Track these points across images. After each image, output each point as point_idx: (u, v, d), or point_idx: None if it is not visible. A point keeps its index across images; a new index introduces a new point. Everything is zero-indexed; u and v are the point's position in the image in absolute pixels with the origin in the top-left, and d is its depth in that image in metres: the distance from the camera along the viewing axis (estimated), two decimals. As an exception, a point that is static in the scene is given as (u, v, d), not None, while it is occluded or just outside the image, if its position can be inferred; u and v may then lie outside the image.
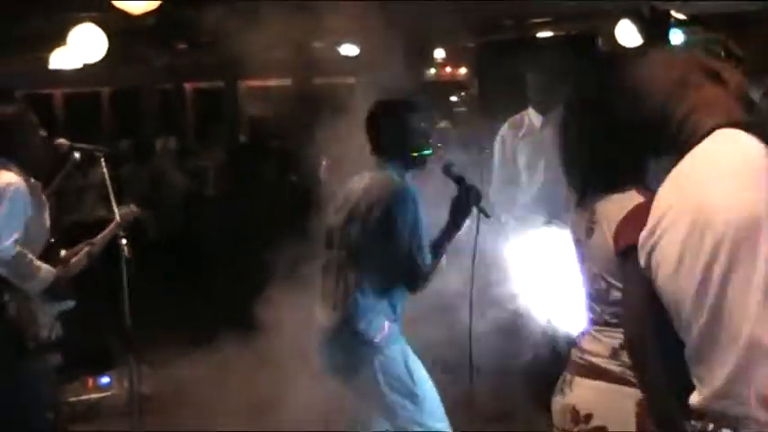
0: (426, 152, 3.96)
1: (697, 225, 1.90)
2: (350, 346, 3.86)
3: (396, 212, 3.75)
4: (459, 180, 3.92)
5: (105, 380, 6.23)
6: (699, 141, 2.00)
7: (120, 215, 4.38)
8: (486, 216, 3.91)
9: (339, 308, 3.88)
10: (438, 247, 3.91)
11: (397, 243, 3.75)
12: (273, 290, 5.85)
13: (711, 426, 1.94)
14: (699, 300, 1.90)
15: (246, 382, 6.15)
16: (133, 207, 4.57)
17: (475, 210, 3.89)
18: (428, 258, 3.83)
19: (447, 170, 3.94)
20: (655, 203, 2.04)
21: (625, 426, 2.46)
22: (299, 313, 4.88)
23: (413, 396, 3.89)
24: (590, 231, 2.50)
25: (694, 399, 1.99)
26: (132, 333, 4.26)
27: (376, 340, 3.84)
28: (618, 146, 2.42)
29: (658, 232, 1.99)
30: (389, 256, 3.80)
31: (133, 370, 4.64)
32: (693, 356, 1.98)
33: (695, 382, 2.00)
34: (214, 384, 6.21)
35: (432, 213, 3.96)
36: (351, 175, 4.42)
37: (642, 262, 2.04)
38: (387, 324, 3.86)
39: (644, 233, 2.03)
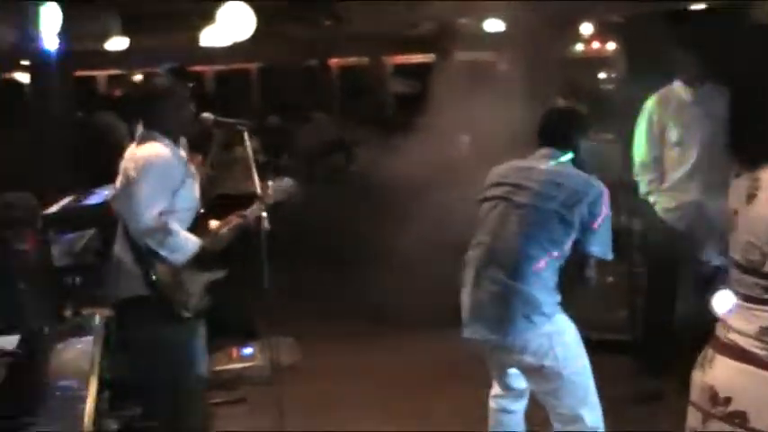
0: None
1: None
2: (528, 326, 3.76)
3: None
4: None
5: (248, 350, 6.36)
6: None
7: (275, 189, 4.33)
8: None
9: (515, 291, 3.78)
10: None
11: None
12: (415, 266, 5.88)
13: None
14: None
15: (382, 353, 6.21)
16: (288, 181, 4.45)
17: None
18: None
19: None
20: None
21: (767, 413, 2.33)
22: (442, 291, 4.86)
23: (585, 368, 3.86)
24: (750, 198, 2.38)
25: None
26: (273, 305, 4.30)
27: (551, 315, 3.79)
28: None
29: None
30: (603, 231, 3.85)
31: (273, 341, 4.71)
32: None
33: None
34: (351, 356, 6.28)
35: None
36: (497, 150, 4.38)
37: None
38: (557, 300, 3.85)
39: None
